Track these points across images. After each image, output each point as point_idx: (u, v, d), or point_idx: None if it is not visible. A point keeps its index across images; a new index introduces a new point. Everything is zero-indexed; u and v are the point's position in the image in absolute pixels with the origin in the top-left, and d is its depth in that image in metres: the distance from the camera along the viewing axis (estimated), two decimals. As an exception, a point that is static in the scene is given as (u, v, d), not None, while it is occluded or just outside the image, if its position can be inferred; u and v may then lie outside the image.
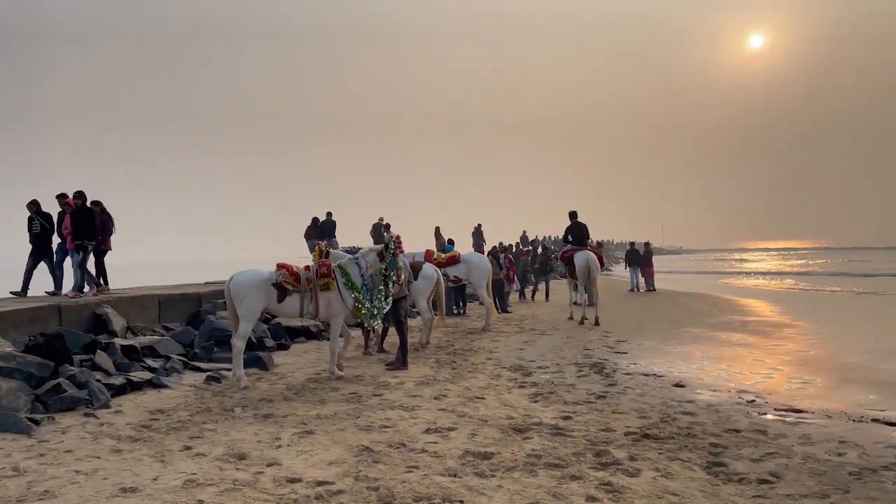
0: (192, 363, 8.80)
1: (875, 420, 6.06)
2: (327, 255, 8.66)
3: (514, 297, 20.19)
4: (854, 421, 6.07)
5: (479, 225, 25.60)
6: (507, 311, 16.63)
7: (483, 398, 6.97)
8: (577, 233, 14.31)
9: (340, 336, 8.53)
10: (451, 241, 16.01)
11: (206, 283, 14.29)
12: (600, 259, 14.45)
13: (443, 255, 13.40)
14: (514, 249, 23.32)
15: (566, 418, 6.14)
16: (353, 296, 8.18)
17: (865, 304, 19.49)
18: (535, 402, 6.88)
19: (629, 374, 8.42)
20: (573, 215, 14.38)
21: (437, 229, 23.71)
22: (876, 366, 8.80)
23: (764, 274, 38.22)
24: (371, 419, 6.09)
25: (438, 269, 11.33)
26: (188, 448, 5.25)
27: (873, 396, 7.07)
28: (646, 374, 8.37)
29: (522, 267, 21.61)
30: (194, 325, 10.58)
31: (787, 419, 6.18)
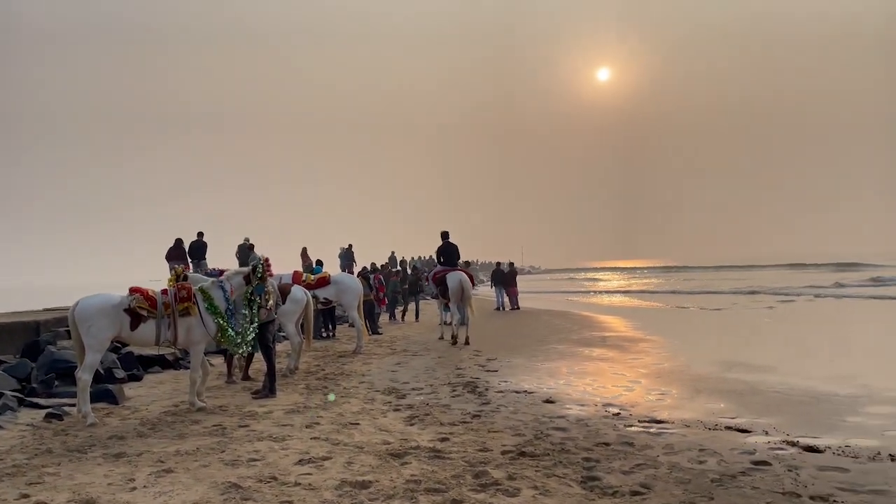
0: (30, 399, 7.89)
1: (728, 427, 6.48)
2: (185, 278, 8.12)
3: (383, 318, 20.03)
4: (710, 429, 6.45)
5: (350, 245, 25.28)
6: (378, 333, 16.44)
7: (357, 424, 6.75)
8: (448, 253, 14.43)
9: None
10: (319, 263, 15.64)
11: (46, 310, 12.97)
12: (471, 279, 14.65)
13: (312, 277, 13.02)
14: (383, 270, 23.19)
15: (443, 440, 6.07)
16: (216, 321, 7.70)
17: (707, 319, 21.14)
18: (412, 425, 6.75)
19: (501, 391, 8.51)
20: (445, 235, 14.49)
21: (304, 250, 23.09)
22: (723, 376, 9.48)
23: (617, 292, 40.60)
24: (238, 452, 5.69)
25: (307, 292, 10.97)
26: (26, 496, 4.64)
27: (724, 405, 7.58)
28: (517, 392, 8.49)
29: (392, 287, 21.51)
30: (31, 356, 9.52)
31: (651, 430, 6.47)
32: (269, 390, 8.41)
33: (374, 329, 16.40)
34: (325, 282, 12.99)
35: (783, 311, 22.26)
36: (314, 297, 12.49)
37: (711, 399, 7.92)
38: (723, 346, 13.55)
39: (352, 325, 14.81)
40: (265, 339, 8.55)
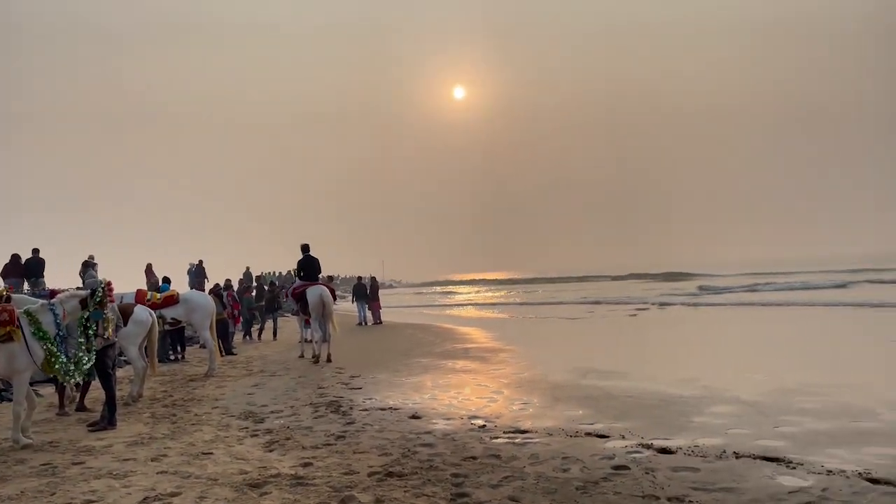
0: None
1: (588, 434, 6.67)
2: (8, 299, 7.19)
3: (238, 337, 19.01)
4: (571, 436, 6.61)
5: (201, 261, 23.99)
6: (233, 354, 15.57)
7: (211, 453, 6.24)
8: (309, 267, 13.97)
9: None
10: (166, 280, 14.55)
11: None
12: (333, 293, 14.27)
13: (158, 296, 12.06)
14: (239, 287, 22.13)
15: (306, 465, 5.74)
16: (43, 347, 6.85)
17: (560, 328, 22.07)
18: (271, 450, 6.35)
19: (366, 410, 8.27)
20: (305, 248, 14.02)
21: (149, 266, 21.59)
22: (579, 383, 9.83)
23: (476, 304, 41.51)
24: (71, 494, 5.05)
25: (152, 312, 10.13)
26: None
27: (582, 411, 7.82)
28: (382, 409, 8.29)
29: (247, 304, 20.55)
30: None
31: (516, 440, 6.52)
32: (108, 421, 7.61)
33: (227, 349, 15.52)
34: (172, 300, 12.08)
35: (628, 319, 23.72)
36: (161, 317, 11.57)
37: (570, 406, 8.16)
38: (577, 354, 14.13)
39: (203, 347, 13.91)
40: (104, 365, 7.73)
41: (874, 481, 4.87)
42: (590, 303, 33.41)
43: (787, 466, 5.33)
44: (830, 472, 5.13)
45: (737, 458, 5.62)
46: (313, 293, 13.54)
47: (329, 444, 6.50)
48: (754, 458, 5.58)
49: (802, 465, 5.35)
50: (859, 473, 5.05)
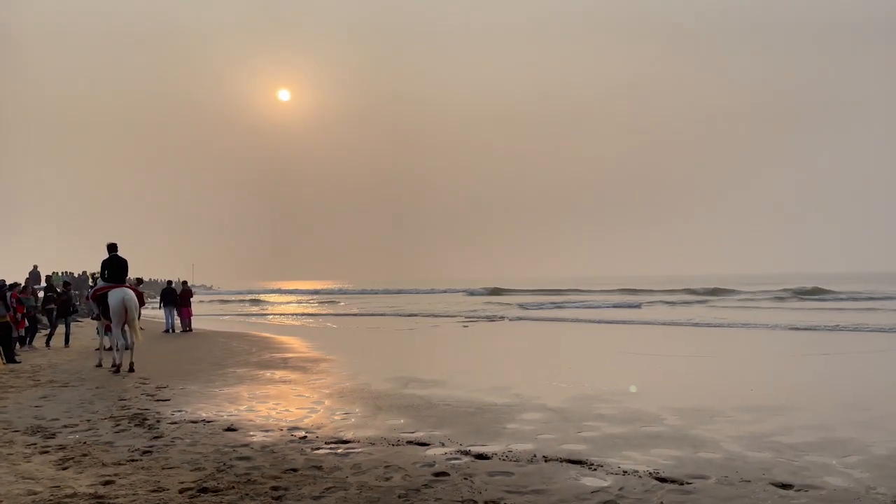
0: None
1: (410, 442, 6.77)
2: None
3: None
4: (393, 445, 6.67)
5: None
6: (16, 361, 13.84)
7: (-10, 474, 5.50)
8: (115, 268, 12.82)
9: None
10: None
11: None
12: (140, 297, 13.22)
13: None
14: (22, 286, 19.71)
15: (107, 483, 5.25)
16: None
17: (380, 339, 22.24)
18: (65, 468, 5.73)
19: (176, 422, 7.74)
20: (112, 248, 12.86)
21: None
22: (400, 391, 9.97)
23: (294, 313, 40.57)
24: None
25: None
26: None
27: (403, 420, 7.94)
28: (194, 422, 7.81)
29: (27, 307, 18.29)
30: None
31: (338, 451, 6.45)
32: None
33: (10, 357, 13.78)
34: (-57, 300, 10.52)
35: (449, 331, 24.49)
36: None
37: (392, 415, 8.24)
38: (399, 363, 14.31)
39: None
40: None
41: (662, 480, 5.44)
42: (405, 315, 34.02)
43: (590, 468, 5.80)
44: (626, 472, 5.66)
45: (546, 461, 6.01)
46: (115, 296, 12.45)
47: (134, 460, 6.00)
48: (561, 462, 6.00)
49: (602, 466, 5.85)
50: (650, 473, 5.62)
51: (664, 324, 25.69)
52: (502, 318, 30.73)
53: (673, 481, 5.41)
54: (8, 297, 14.64)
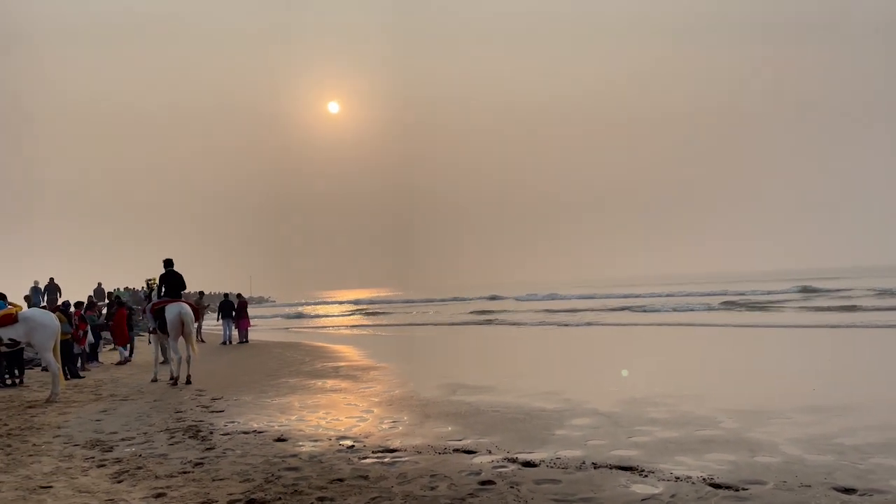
0: None
1: (456, 450, 6.72)
2: None
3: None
4: (439, 453, 6.63)
5: (52, 279, 22.83)
6: (80, 377, 14.37)
7: (50, 487, 5.68)
8: (171, 282, 13.20)
9: None
10: (2, 297, 13.20)
11: None
12: (196, 311, 13.55)
13: (-8, 314, 10.92)
14: (86, 305, 20.46)
15: (159, 496, 5.37)
16: None
17: (430, 345, 22.28)
18: (120, 481, 5.88)
19: (228, 434, 7.88)
20: (168, 263, 13.27)
21: (-17, 282, 19.63)
22: (448, 399, 9.93)
23: (346, 323, 41.01)
24: None
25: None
26: None
27: (451, 428, 7.89)
28: (245, 432, 7.94)
29: (91, 323, 18.94)
30: None
31: (385, 460, 6.45)
32: (-75, 457, 6.75)
33: (73, 372, 14.31)
34: (10, 319, 10.98)
35: (497, 336, 24.37)
36: (-5, 337, 10.54)
37: (439, 423, 8.21)
38: (448, 370, 14.28)
39: (45, 369, 12.72)
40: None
41: (717, 486, 5.25)
42: (474, 322, 34.00)
43: (640, 475, 5.64)
44: (678, 478, 5.48)
45: (595, 468, 5.88)
46: (172, 310, 12.79)
47: (185, 472, 6.12)
48: (611, 468, 5.86)
49: (654, 472, 5.68)
50: (703, 479, 5.43)
51: (744, 326, 24.93)
52: (566, 324, 30.39)
53: (728, 487, 5.21)
54: (72, 316, 15.22)
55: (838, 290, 42.13)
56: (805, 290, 44.76)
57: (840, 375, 11.96)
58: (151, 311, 13.55)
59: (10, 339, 11.02)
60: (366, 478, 5.79)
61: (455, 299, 61.58)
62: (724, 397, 9.46)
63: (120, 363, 17.28)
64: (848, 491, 5.06)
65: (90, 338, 16.91)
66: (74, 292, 24.80)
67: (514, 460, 6.23)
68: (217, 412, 9.47)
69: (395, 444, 7.13)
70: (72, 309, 16.25)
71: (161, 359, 14.38)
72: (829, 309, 28.96)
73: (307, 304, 79.13)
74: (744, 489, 5.17)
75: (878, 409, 8.44)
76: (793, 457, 6.10)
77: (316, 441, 7.38)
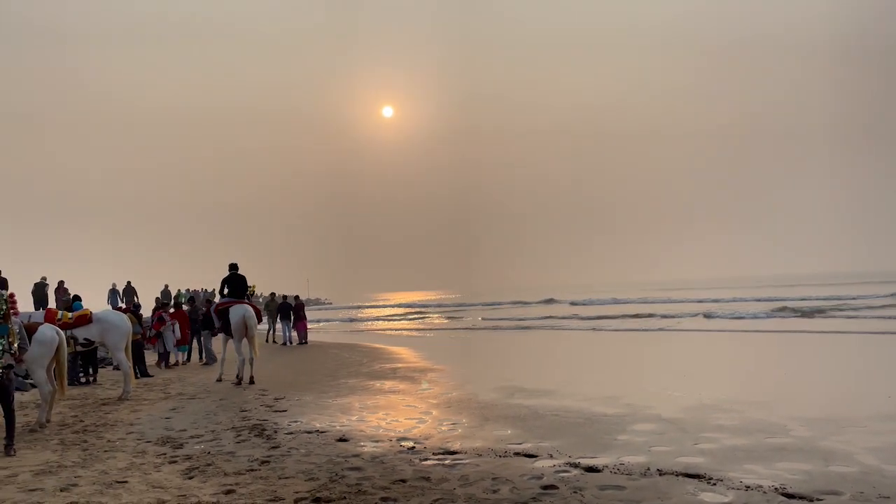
0: None
1: (517, 454, 6.69)
2: None
3: (151, 358, 17.97)
4: (500, 456, 6.61)
5: (129, 282, 23.77)
6: (149, 375, 14.89)
7: (125, 482, 5.91)
8: (234, 284, 13.57)
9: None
10: (77, 298, 13.81)
11: None
12: (258, 313, 13.89)
13: (69, 315, 11.43)
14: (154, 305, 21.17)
15: (228, 492, 5.52)
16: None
17: (486, 347, 22.24)
18: (191, 478, 6.07)
19: (291, 433, 8.04)
20: (232, 267, 13.68)
21: (60, 284, 20.59)
22: (507, 402, 9.89)
23: (404, 327, 41.30)
24: (-34, 532, 4.67)
25: (61, 331, 9.57)
26: None
27: (510, 431, 7.86)
28: (308, 432, 8.09)
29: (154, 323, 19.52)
30: None
31: (446, 462, 6.47)
32: (7, 448, 7.11)
33: (143, 371, 14.85)
34: (85, 320, 11.47)
35: (553, 339, 24.14)
36: (72, 337, 11.00)
37: (499, 426, 8.18)
38: (505, 372, 14.22)
39: (117, 368, 13.24)
40: (4, 388, 7.23)
41: (789, 496, 5.07)
42: (519, 328, 33.82)
43: (708, 483, 5.50)
44: (748, 487, 5.32)
45: (660, 475, 5.76)
46: (236, 312, 13.13)
47: (253, 470, 6.27)
48: (677, 475, 5.73)
49: (722, 480, 5.53)
50: (775, 488, 5.25)
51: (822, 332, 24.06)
52: (624, 329, 29.94)
53: (801, 497, 5.03)
54: (142, 317, 15.81)
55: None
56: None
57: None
58: (216, 311, 13.94)
59: (85, 339, 11.51)
60: (428, 479, 5.82)
61: (513, 303, 61.14)
62: (794, 404, 9.14)
63: (168, 364, 17.22)
64: (932, 504, 4.82)
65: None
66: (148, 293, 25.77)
67: (576, 465, 6.16)
68: (280, 411, 9.67)
69: (456, 446, 7.14)
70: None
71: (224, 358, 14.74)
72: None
73: (364, 306, 80.00)
74: (818, 500, 4.99)
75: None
76: (870, 467, 5.85)
77: (377, 442, 7.46)
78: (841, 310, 31.94)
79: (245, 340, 13.27)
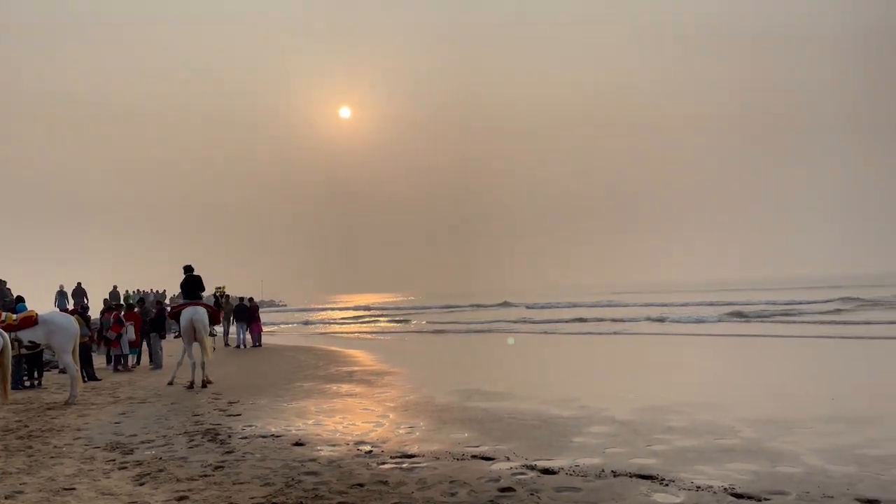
0: None
1: (475, 457, 6.73)
2: None
3: (99, 361, 17.44)
4: (458, 459, 6.64)
5: (79, 283, 23.24)
6: (97, 379, 14.48)
7: (73, 489, 5.74)
8: (187, 286, 13.32)
9: None
10: (20, 299, 13.33)
11: None
12: (216, 314, 13.66)
13: (13, 317, 11.04)
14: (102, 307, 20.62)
15: (181, 499, 5.41)
16: None
17: (443, 350, 22.27)
18: (142, 484, 5.93)
19: (246, 437, 7.92)
20: (186, 269, 13.43)
21: (2, 284, 19.85)
22: (464, 405, 9.93)
23: (359, 330, 41.06)
24: None
25: (5, 334, 9.25)
26: None
27: (468, 434, 7.89)
28: (263, 436, 7.97)
29: (106, 326, 19.02)
30: None
31: (403, 465, 6.47)
32: (-50, 457, 6.83)
33: (91, 374, 14.43)
34: (30, 322, 11.09)
35: (506, 342, 24.34)
36: (17, 339, 10.64)
37: (456, 429, 8.21)
38: (462, 375, 14.29)
39: (63, 372, 12.84)
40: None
41: (738, 496, 5.22)
42: (476, 331, 33.94)
43: (661, 483, 5.62)
44: (699, 487, 5.46)
45: (615, 476, 5.86)
46: (185, 315, 12.89)
47: (206, 476, 6.16)
48: (630, 477, 5.84)
49: (674, 481, 5.66)
50: (725, 489, 5.40)
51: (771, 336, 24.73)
52: (577, 333, 30.30)
53: (749, 497, 5.19)
54: (90, 319, 15.37)
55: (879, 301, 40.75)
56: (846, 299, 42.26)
57: (862, 386, 11.85)
58: (171, 314, 13.67)
59: (30, 342, 11.13)
60: (385, 483, 5.81)
61: (470, 306, 61.29)
62: (742, 407, 9.39)
63: (126, 367, 16.89)
64: (871, 502, 5.02)
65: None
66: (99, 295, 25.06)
67: (532, 467, 6.22)
68: (234, 416, 9.51)
69: (413, 449, 7.14)
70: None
71: (178, 362, 14.43)
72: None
73: (319, 308, 79.22)
74: (766, 499, 5.15)
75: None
76: (815, 467, 6.06)
77: (334, 446, 7.41)
78: (789, 314, 33.01)
79: (195, 343, 13.02)
